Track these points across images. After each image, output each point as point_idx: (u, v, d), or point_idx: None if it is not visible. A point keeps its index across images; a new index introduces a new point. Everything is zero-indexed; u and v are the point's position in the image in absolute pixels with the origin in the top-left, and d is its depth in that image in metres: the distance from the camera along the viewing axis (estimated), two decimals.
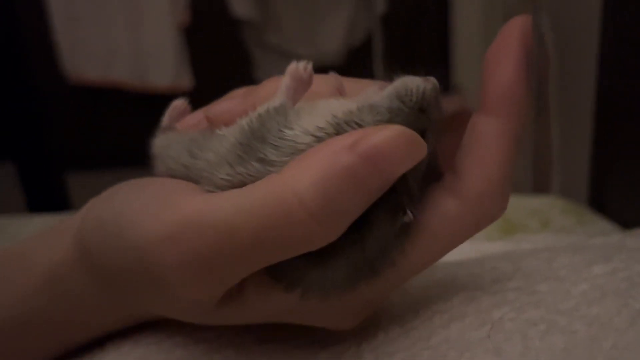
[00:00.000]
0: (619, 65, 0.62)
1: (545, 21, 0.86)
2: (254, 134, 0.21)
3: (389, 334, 0.24)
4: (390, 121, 0.20)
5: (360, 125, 0.20)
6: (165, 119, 0.27)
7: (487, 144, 0.21)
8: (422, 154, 0.19)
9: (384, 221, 0.19)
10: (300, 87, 0.22)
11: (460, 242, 0.22)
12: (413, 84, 0.21)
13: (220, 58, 1.81)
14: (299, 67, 0.22)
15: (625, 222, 0.60)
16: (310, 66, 0.22)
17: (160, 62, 1.73)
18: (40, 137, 1.22)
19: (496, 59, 0.21)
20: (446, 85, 1.59)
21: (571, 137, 0.83)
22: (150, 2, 1.67)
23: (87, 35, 1.68)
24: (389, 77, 0.22)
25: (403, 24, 1.73)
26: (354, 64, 1.75)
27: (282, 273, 0.20)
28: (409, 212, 0.19)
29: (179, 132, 0.26)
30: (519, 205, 0.63)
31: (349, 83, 0.24)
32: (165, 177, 0.25)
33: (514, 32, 0.21)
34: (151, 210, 0.20)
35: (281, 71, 0.22)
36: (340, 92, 0.23)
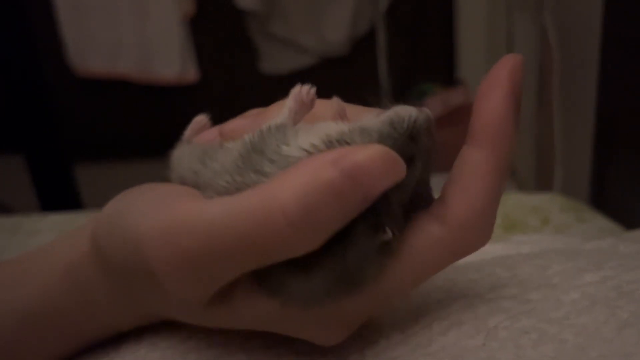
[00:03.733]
0: (620, 64, 0.62)
1: (548, 17, 0.86)
2: (254, 147, 0.22)
3: (391, 340, 0.26)
4: (378, 143, 0.20)
5: (349, 145, 0.21)
6: (187, 133, 0.29)
7: (473, 174, 0.22)
8: (401, 174, 0.19)
9: (365, 237, 0.21)
10: (303, 109, 0.24)
11: (443, 267, 0.23)
12: (406, 112, 0.22)
13: (226, 49, 1.82)
14: (302, 90, 0.23)
15: (625, 219, 0.61)
16: (313, 90, 0.23)
17: (165, 54, 1.74)
18: (48, 130, 1.24)
19: (485, 93, 0.22)
20: (450, 77, 1.59)
21: (573, 135, 0.84)
22: None
23: (93, 27, 1.69)
24: (387, 105, 0.23)
25: (407, 15, 1.73)
26: (358, 55, 1.76)
27: (267, 280, 0.22)
28: (388, 230, 0.21)
29: (194, 145, 0.28)
30: (520, 202, 0.64)
31: (352, 109, 0.25)
32: (175, 183, 0.27)
33: (505, 67, 0.22)
34: (151, 210, 0.22)
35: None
36: (341, 117, 0.24)
